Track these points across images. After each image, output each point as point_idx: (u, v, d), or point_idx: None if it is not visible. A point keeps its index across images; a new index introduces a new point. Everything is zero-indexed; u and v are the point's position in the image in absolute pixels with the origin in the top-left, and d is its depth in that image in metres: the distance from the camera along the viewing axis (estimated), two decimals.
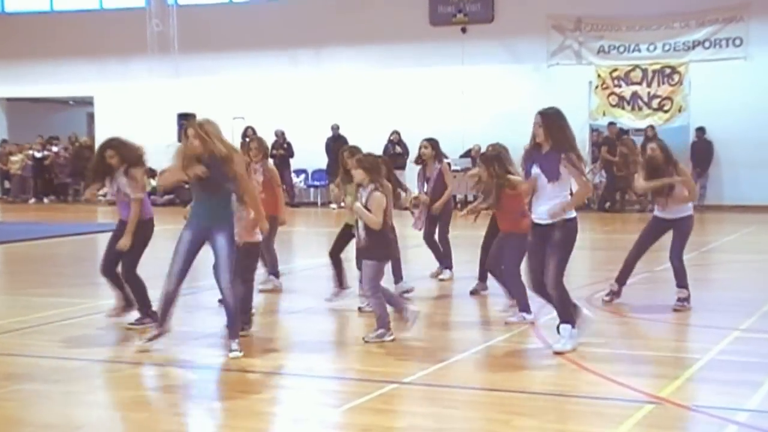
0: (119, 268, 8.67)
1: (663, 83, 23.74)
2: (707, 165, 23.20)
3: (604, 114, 24.20)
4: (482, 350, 7.75)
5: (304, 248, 16.62)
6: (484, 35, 24.87)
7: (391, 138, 24.38)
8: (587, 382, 6.71)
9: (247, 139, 10.99)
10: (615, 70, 24.07)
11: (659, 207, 9.52)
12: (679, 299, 9.44)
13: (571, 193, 7.63)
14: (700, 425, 5.91)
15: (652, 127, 23.21)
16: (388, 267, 8.54)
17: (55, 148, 29.39)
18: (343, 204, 9.47)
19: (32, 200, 28.62)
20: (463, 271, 11.36)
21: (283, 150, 25.27)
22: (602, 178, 23.55)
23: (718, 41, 23.33)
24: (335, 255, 9.78)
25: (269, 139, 25.01)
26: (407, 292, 10.17)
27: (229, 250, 7.42)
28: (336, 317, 9.36)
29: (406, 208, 10.78)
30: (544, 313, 9.18)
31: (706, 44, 23.44)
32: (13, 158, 29.15)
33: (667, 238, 9.63)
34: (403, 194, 9.85)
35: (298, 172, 26.42)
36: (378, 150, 24.18)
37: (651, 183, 9.39)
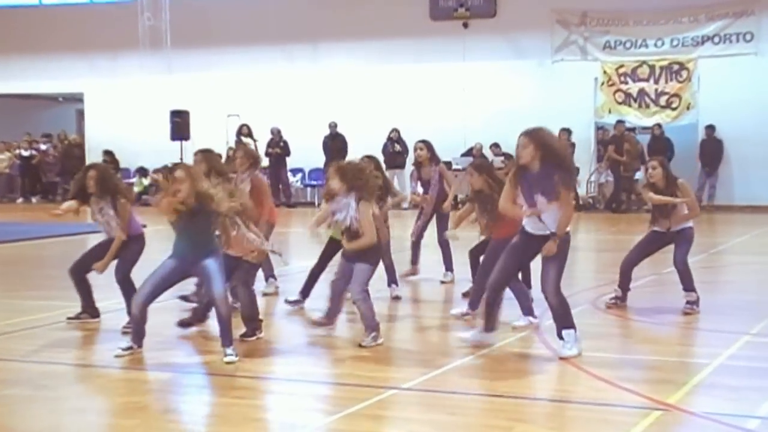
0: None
1: (671, 80, 23.74)
2: (717, 164, 23.22)
3: (609, 112, 24.19)
4: (483, 355, 7.74)
5: (301, 249, 16.60)
6: (486, 30, 24.87)
7: (391, 136, 24.39)
8: (592, 388, 6.71)
9: (231, 152, 10.99)
10: (621, 66, 24.07)
11: (661, 228, 9.54)
12: (687, 302, 9.44)
13: None
14: None
15: (659, 125, 23.24)
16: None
17: (43, 146, 29.40)
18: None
19: (20, 200, 28.63)
20: (464, 272, 11.35)
21: (279, 148, 25.29)
22: (608, 178, 23.55)
23: (728, 36, 23.33)
24: (318, 273, 9.82)
25: (265, 137, 25.23)
26: (397, 298, 10.37)
27: (218, 266, 7.51)
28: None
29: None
30: (547, 317, 9.18)
31: (716, 39, 23.43)
32: (0, 156, 29.17)
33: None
34: (389, 199, 9.94)
35: (295, 171, 26.42)
36: (377, 148, 24.29)
37: (661, 197, 9.45)
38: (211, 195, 7.45)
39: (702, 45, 23.53)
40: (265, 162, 25.50)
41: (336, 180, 7.93)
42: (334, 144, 24.61)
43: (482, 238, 9.47)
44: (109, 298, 9.29)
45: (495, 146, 24.16)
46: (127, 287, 8.68)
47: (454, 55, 25.01)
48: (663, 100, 23.82)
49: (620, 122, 23.45)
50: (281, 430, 6.05)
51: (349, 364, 7.54)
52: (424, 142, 11.48)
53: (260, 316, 8.55)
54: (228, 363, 7.39)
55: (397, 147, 24.25)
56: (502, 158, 23.89)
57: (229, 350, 7.49)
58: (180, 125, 25.00)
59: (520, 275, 8.73)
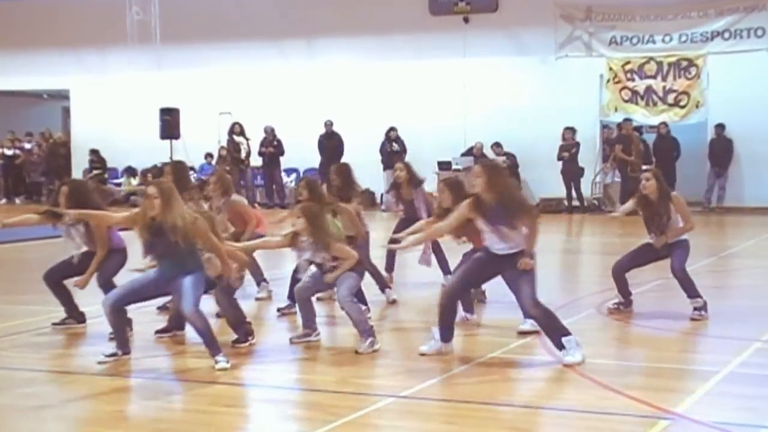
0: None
1: (679, 77, 23.74)
2: (727, 164, 23.23)
3: (616, 110, 24.18)
4: (484, 362, 7.74)
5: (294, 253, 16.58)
6: (488, 25, 24.88)
7: (389, 135, 24.39)
8: (597, 397, 6.71)
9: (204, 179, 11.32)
10: (628, 62, 24.07)
11: (656, 245, 9.56)
12: (695, 309, 9.44)
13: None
14: None
15: (665, 124, 23.25)
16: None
17: (27, 145, 29.38)
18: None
19: (2, 200, 28.61)
20: None
21: (272, 148, 25.29)
22: (615, 179, 23.53)
23: (739, 32, 23.34)
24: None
25: (258, 136, 25.23)
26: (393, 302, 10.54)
27: (194, 284, 7.48)
28: (328, 327, 9.35)
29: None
30: None
31: (726, 35, 23.45)
32: None
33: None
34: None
35: (289, 171, 26.42)
36: (374, 147, 24.31)
37: (626, 208, 9.77)
38: (175, 220, 7.36)
39: (711, 41, 23.53)
40: (258, 161, 25.58)
41: (301, 221, 8.09)
42: (330, 143, 24.62)
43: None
44: (96, 303, 9.26)
45: (496, 145, 24.17)
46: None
47: (454, 51, 25.01)
48: (671, 98, 23.81)
49: (627, 120, 23.46)
50: None
51: (344, 372, 7.54)
52: (404, 163, 11.77)
53: (249, 321, 8.55)
54: (220, 370, 7.40)
55: (395, 146, 24.26)
56: (504, 158, 23.93)
57: (218, 357, 7.50)
58: (170, 123, 24.98)
59: None
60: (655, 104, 23.95)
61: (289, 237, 8.28)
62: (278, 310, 9.95)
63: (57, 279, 9.09)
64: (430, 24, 25.29)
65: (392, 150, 24.06)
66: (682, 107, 23.75)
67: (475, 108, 24.83)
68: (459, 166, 22.43)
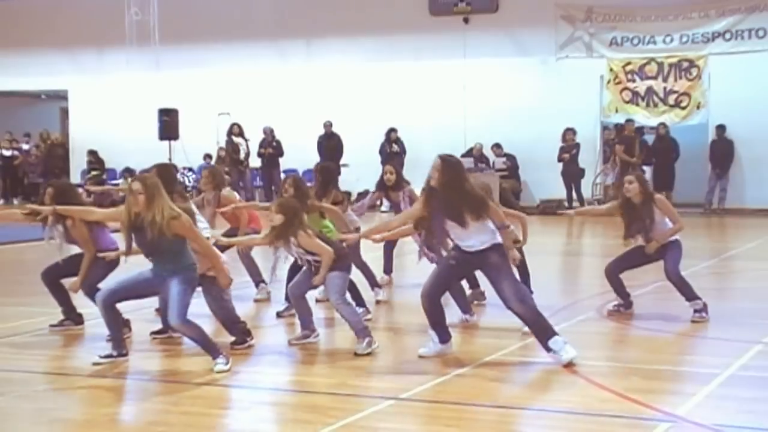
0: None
1: (680, 78, 23.75)
2: (728, 165, 23.23)
3: (616, 111, 24.19)
4: (485, 364, 7.73)
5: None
6: (488, 26, 24.88)
7: (390, 136, 24.37)
8: (598, 399, 6.70)
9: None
10: (628, 63, 24.08)
11: (649, 250, 9.52)
12: (695, 311, 9.43)
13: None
14: None
15: (664, 125, 23.25)
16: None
17: (25, 146, 29.37)
18: None
19: (0, 201, 28.60)
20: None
21: (271, 149, 25.27)
22: (616, 180, 23.50)
23: (740, 32, 23.35)
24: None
25: (257, 137, 25.21)
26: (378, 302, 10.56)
27: (180, 293, 7.40)
28: (327, 328, 9.34)
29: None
30: (554, 322, 9.17)
31: (727, 36, 23.45)
32: None
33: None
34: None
35: (288, 172, 26.33)
36: (373, 149, 24.30)
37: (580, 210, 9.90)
38: (154, 214, 7.30)
39: (713, 41, 23.54)
40: (257, 162, 25.56)
41: (279, 216, 8.04)
42: (329, 144, 24.60)
43: None
44: (93, 305, 9.25)
45: (496, 146, 24.18)
46: (93, 296, 8.57)
47: (454, 52, 25.01)
48: (672, 99, 23.82)
49: (629, 121, 23.46)
50: None
51: (344, 373, 7.53)
52: (393, 166, 11.87)
53: (243, 321, 8.54)
54: (219, 372, 7.38)
55: (395, 147, 24.25)
56: (504, 159, 23.93)
57: (218, 359, 7.48)
58: (168, 124, 24.99)
59: (519, 278, 8.76)
60: (655, 105, 23.95)
61: (269, 235, 8.23)
62: (277, 314, 9.92)
63: (54, 278, 9.08)
64: (430, 24, 25.28)
65: (392, 151, 24.04)
66: (683, 108, 23.75)
67: (475, 109, 24.83)
68: None
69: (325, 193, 10.31)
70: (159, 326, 8.72)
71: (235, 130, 25.11)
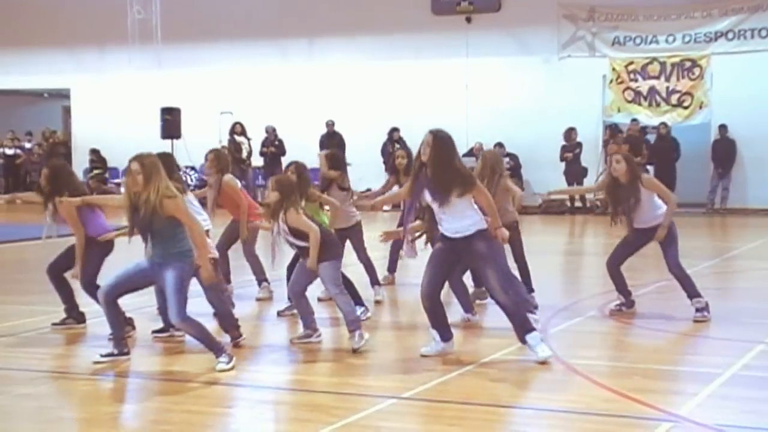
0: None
1: (683, 77, 23.74)
2: (730, 165, 23.23)
3: (619, 110, 24.19)
4: (487, 363, 7.73)
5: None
6: (490, 25, 24.87)
7: (392, 135, 24.35)
8: (600, 399, 6.69)
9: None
10: (631, 63, 24.07)
11: (656, 237, 9.47)
12: (697, 310, 9.42)
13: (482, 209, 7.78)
14: None
15: (665, 124, 23.23)
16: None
17: (28, 145, 29.38)
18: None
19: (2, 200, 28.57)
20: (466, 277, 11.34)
21: (274, 147, 25.28)
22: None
23: (743, 32, 23.33)
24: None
25: (259, 136, 25.21)
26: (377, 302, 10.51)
27: (176, 286, 7.35)
28: (328, 327, 9.33)
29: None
30: (552, 324, 9.18)
31: (730, 35, 23.44)
32: None
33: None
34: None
35: None
36: (375, 148, 24.29)
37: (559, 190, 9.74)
38: (149, 193, 7.26)
39: (715, 41, 23.52)
40: (259, 161, 25.56)
41: (275, 193, 8.07)
42: (332, 143, 24.53)
43: None
44: (95, 303, 9.25)
45: (499, 146, 24.14)
46: (93, 292, 8.57)
47: (456, 51, 25.00)
48: (674, 99, 23.80)
49: (634, 121, 23.46)
50: None
51: (345, 372, 7.52)
52: (406, 151, 11.84)
53: (236, 318, 8.58)
54: (220, 371, 7.38)
55: (397, 146, 24.19)
56: (507, 158, 23.91)
57: (221, 358, 7.48)
58: (171, 123, 24.99)
59: (519, 278, 8.76)
60: (658, 105, 23.93)
61: (265, 212, 8.24)
62: (278, 313, 9.91)
63: (58, 272, 9.04)
64: (433, 24, 25.28)
65: (394, 150, 24.00)
66: (686, 108, 23.74)
67: (478, 108, 24.81)
68: None
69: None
70: (160, 325, 8.71)
71: (238, 129, 25.11)
